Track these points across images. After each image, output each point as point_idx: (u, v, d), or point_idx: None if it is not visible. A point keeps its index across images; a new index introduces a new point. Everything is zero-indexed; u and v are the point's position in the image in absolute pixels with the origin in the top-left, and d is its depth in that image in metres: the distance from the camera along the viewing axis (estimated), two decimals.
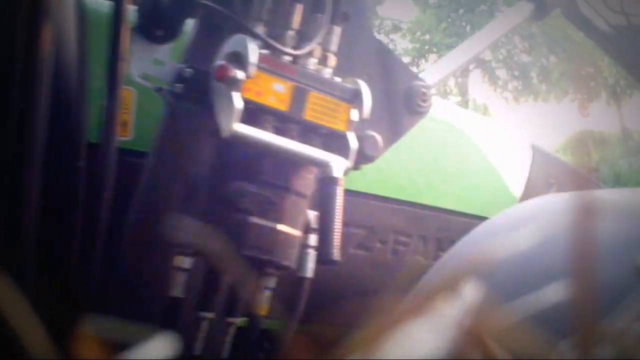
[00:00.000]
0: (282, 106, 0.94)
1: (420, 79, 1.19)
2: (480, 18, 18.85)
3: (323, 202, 0.96)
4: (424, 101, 1.17)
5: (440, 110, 1.46)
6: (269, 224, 0.95)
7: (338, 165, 0.97)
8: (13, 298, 0.30)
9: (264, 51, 0.93)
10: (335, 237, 0.95)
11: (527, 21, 1.48)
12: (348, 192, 1.26)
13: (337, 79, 1.01)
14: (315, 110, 0.97)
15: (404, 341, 0.34)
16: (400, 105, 1.16)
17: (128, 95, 1.08)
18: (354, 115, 0.99)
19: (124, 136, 1.10)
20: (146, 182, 1.03)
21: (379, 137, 1.11)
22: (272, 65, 0.93)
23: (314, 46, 0.97)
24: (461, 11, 19.04)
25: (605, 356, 0.38)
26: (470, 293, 0.37)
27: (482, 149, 1.50)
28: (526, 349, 0.36)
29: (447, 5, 19.14)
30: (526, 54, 18.72)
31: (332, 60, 1.01)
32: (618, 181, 8.67)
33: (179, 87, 0.95)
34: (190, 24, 1.03)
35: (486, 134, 1.58)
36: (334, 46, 1.01)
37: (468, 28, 19.33)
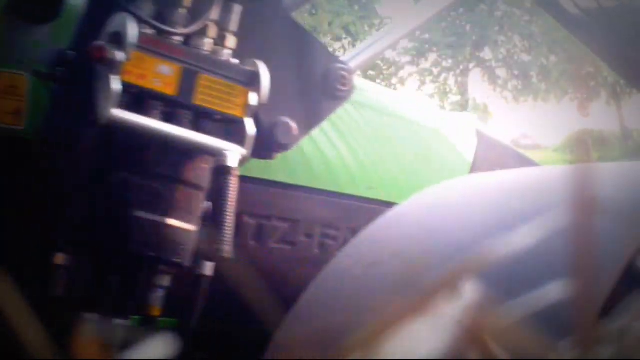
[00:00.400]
0: (169, 90, 0.87)
1: (341, 62, 1.10)
2: (480, 17, 18.79)
3: (216, 194, 0.89)
4: (344, 85, 1.09)
5: (376, 95, 1.39)
6: (157, 218, 0.88)
7: (232, 153, 0.90)
8: (13, 298, 0.30)
9: (149, 31, 0.86)
10: (227, 231, 0.88)
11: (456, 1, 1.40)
12: (269, 183, 1.19)
13: (235, 61, 0.93)
14: (207, 94, 0.89)
15: (404, 341, 0.34)
16: (318, 90, 1.08)
17: (20, 82, 1.01)
18: (253, 99, 0.92)
19: (16, 125, 1.03)
20: (33, 173, 0.97)
21: (293, 124, 1.04)
22: (156, 46, 0.86)
23: (205, 25, 0.90)
24: (461, 10, 18.97)
25: (606, 356, 0.39)
26: (469, 292, 0.37)
27: (424, 136, 1.42)
28: (526, 349, 0.36)
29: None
30: (526, 54, 18.63)
31: (231, 40, 0.94)
32: None
33: (60, 70, 0.88)
34: (76, 2, 0.96)
35: (433, 119, 1.50)
36: (233, 25, 0.94)
37: (468, 27, 19.27)
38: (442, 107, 19.38)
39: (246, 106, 0.92)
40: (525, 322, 0.39)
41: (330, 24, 17.33)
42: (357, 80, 1.36)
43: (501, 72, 19.26)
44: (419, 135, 1.40)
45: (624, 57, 1.88)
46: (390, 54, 20.07)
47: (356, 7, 18.81)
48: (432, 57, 19.79)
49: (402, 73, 20.15)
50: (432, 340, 0.35)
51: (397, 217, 0.94)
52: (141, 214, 0.88)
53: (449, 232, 0.83)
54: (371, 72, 19.82)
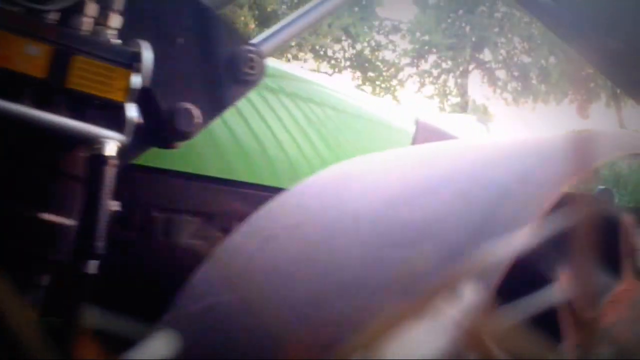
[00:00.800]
0: (38, 72, 0.80)
1: (249, 44, 1.03)
2: (480, 18, 18.71)
3: (89, 186, 0.82)
4: (252, 69, 1.02)
5: (298, 83, 1.31)
6: (29, 211, 0.81)
7: (109, 141, 0.83)
8: (13, 298, 0.30)
9: (15, 9, 0.80)
10: (100, 226, 0.81)
11: None
12: (179, 174, 1.12)
13: (116, 41, 0.86)
14: (83, 77, 0.82)
15: (404, 342, 0.35)
16: (225, 74, 1.01)
17: None
18: (135, 82, 0.85)
19: None
20: None
21: (196, 111, 0.97)
22: (23, 24, 0.79)
23: (82, 2, 0.83)
24: (461, 12, 18.89)
25: (605, 357, 0.39)
26: (469, 294, 0.37)
27: (355, 124, 1.34)
28: (525, 350, 0.36)
29: (447, 6, 19.00)
30: (526, 55, 18.55)
31: (114, 19, 0.87)
32: (618, 182, 8.52)
33: None
34: None
35: (366, 107, 1.42)
36: (117, 3, 0.87)
37: (468, 28, 19.19)
38: (442, 109, 19.32)
39: (127, 90, 0.85)
40: (525, 323, 0.38)
41: (329, 25, 17.30)
42: (276, 65, 1.29)
43: (501, 74, 19.19)
44: (350, 124, 1.33)
45: (595, 45, 1.82)
46: (390, 56, 20.05)
47: (356, 9, 18.76)
48: (432, 58, 19.74)
49: (401, 75, 20.10)
50: (431, 341, 0.35)
51: (295, 194, 0.89)
52: (11, 207, 0.81)
53: (348, 204, 0.79)
54: (371, 74, 19.76)
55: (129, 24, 0.90)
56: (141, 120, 0.88)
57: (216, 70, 1.00)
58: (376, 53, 19.99)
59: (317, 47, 17.95)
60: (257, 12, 15.57)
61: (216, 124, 1.06)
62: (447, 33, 18.91)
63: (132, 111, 0.85)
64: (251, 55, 1.01)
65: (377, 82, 19.82)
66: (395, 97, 19.76)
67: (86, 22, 0.85)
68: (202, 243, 1.14)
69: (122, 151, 0.86)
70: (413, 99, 20.56)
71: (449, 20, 19.10)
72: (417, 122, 1.44)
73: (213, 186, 1.14)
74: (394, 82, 20.07)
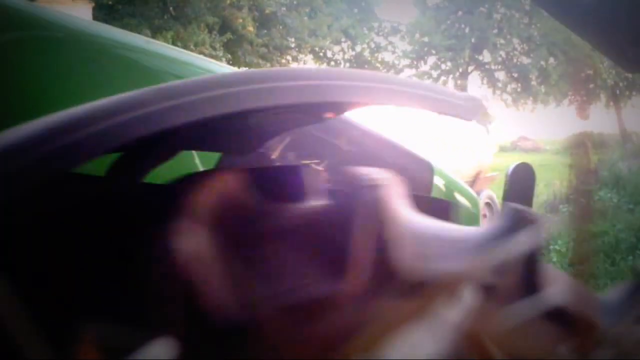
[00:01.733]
0: None
1: None
2: (479, 20, 18.75)
3: None
4: None
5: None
6: None
7: None
8: (12, 302, 0.30)
9: None
10: None
11: None
12: None
13: None
14: None
15: (404, 344, 0.35)
16: None
17: None
18: None
19: None
20: None
21: None
22: None
23: None
24: (460, 13, 18.94)
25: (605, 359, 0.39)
26: (469, 296, 0.37)
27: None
28: (525, 352, 0.36)
29: (446, 7, 19.04)
30: (525, 56, 18.60)
31: None
32: (617, 183, 8.53)
33: None
34: None
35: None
36: None
37: (467, 30, 19.23)
38: None
39: None
40: (525, 326, 0.39)
41: (329, 27, 17.32)
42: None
43: (500, 75, 19.25)
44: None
45: (568, 2, 1.80)
46: (389, 57, 20.08)
47: (355, 10, 18.79)
48: (431, 59, 19.79)
49: (401, 76, 20.12)
50: (432, 343, 0.35)
51: None
52: None
53: None
54: None
55: None
56: None
57: None
58: (376, 54, 20.03)
59: (317, 49, 17.95)
60: (256, 14, 15.58)
61: None
62: (446, 34, 18.95)
63: None
64: None
65: None
66: None
67: None
68: None
69: None
70: None
71: (448, 22, 19.15)
72: None
73: None
74: None
